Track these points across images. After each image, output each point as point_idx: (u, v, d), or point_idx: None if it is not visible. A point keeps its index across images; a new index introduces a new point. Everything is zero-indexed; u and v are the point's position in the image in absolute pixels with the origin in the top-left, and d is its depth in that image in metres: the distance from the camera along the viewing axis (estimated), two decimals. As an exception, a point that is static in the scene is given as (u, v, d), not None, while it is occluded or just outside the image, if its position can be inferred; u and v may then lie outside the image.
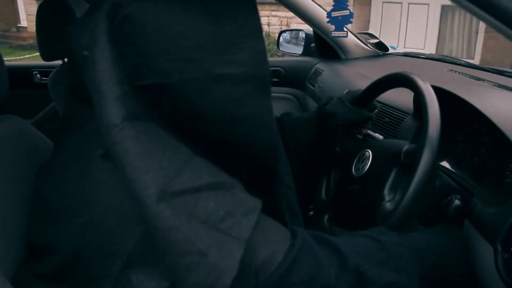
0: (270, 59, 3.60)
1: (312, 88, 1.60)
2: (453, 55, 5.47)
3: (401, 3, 6.16)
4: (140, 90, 0.44)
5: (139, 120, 0.43)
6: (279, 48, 1.86)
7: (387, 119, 1.00)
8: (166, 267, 0.43)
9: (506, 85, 1.01)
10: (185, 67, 0.43)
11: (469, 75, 1.20)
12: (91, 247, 0.46)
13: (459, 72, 1.25)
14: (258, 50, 0.44)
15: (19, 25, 9.22)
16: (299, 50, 1.77)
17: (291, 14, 1.62)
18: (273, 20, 6.61)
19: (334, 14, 1.26)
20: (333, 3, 1.24)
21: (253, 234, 0.43)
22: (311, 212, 0.92)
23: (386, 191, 0.69)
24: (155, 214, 0.41)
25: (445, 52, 5.65)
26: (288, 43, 1.83)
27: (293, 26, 5.17)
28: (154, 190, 0.41)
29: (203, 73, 0.43)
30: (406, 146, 0.71)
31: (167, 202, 0.41)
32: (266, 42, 6.55)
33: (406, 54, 1.67)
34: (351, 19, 1.25)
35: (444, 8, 5.79)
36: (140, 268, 0.44)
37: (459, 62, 1.42)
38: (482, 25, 5.18)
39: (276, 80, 1.75)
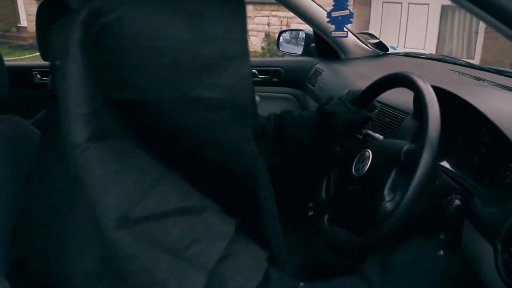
0: (270, 59, 3.61)
1: (312, 88, 1.60)
2: (453, 55, 5.47)
3: (401, 3, 6.16)
4: (115, 103, 0.42)
5: (108, 139, 0.41)
6: (279, 48, 1.86)
7: (387, 119, 1.00)
8: None
9: (506, 85, 1.01)
10: (162, 86, 0.40)
11: (469, 75, 1.20)
12: (54, 265, 0.44)
13: (459, 72, 1.25)
14: (242, 74, 0.41)
15: (19, 25, 9.21)
16: (299, 50, 1.77)
17: (291, 14, 1.62)
18: (273, 20, 6.61)
19: (334, 14, 1.26)
20: (333, 3, 1.24)
21: (222, 263, 0.40)
22: (311, 212, 0.92)
23: (386, 191, 0.69)
24: (112, 242, 0.39)
25: (445, 52, 5.65)
26: (288, 43, 1.83)
27: (293, 26, 5.17)
28: (114, 216, 0.39)
29: (180, 93, 0.40)
30: (406, 146, 0.71)
31: (127, 229, 0.39)
32: (266, 42, 6.52)
33: (406, 54, 1.67)
34: (351, 19, 1.26)
35: (444, 8, 5.79)
36: None
37: (459, 62, 1.42)
38: (482, 25, 5.17)
39: (276, 80, 1.75)
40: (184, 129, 0.42)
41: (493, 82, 1.07)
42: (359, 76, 1.36)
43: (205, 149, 0.43)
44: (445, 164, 0.80)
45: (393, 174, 0.70)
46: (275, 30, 6.27)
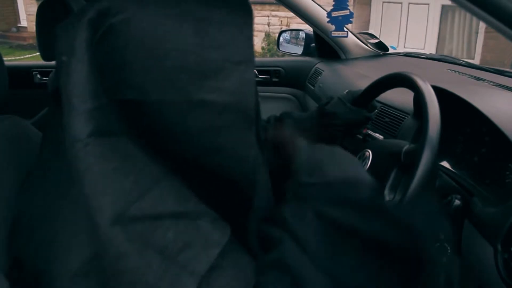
0: (270, 59, 3.61)
1: (312, 88, 1.60)
2: (453, 55, 5.48)
3: (401, 3, 6.16)
4: (118, 104, 0.42)
5: (109, 136, 0.41)
6: (279, 48, 1.86)
7: (387, 119, 1.00)
8: None
9: (506, 85, 1.01)
10: (166, 88, 0.40)
11: (469, 75, 1.20)
12: (45, 262, 0.44)
13: (459, 72, 1.25)
14: (246, 79, 0.41)
15: (19, 25, 9.22)
16: (299, 50, 1.77)
17: (291, 14, 1.62)
18: (273, 20, 6.62)
19: (334, 14, 1.26)
20: (333, 3, 1.24)
21: (214, 273, 0.40)
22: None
23: (386, 191, 0.69)
24: (106, 238, 0.39)
25: (445, 52, 5.66)
26: (288, 43, 1.83)
27: (293, 26, 5.17)
28: (110, 213, 0.39)
29: (184, 96, 0.40)
30: (406, 146, 0.71)
31: (122, 227, 0.39)
32: (266, 42, 6.53)
33: (406, 54, 1.67)
34: (351, 19, 1.26)
35: (444, 8, 5.79)
36: None
37: (459, 62, 1.42)
38: (482, 25, 5.18)
39: (276, 80, 1.75)
40: (186, 132, 0.42)
41: (493, 82, 1.07)
42: (359, 76, 1.37)
43: (207, 153, 0.43)
44: (445, 164, 0.80)
45: (393, 174, 0.70)
46: (275, 30, 6.27)
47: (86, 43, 0.41)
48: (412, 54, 1.65)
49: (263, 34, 6.68)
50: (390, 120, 0.99)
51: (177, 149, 0.43)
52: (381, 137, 0.90)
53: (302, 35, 1.76)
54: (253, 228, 0.50)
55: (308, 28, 1.67)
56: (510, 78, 1.15)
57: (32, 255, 0.46)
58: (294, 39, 1.82)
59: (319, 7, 1.54)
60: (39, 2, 1.43)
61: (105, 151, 0.40)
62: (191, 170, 0.44)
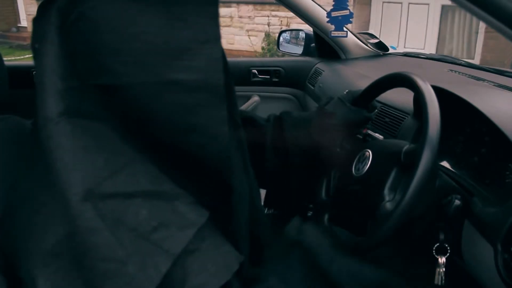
0: (270, 59, 3.60)
1: (312, 88, 1.60)
2: (453, 55, 5.47)
3: (401, 3, 6.16)
4: (92, 88, 0.43)
5: (81, 117, 0.42)
6: (279, 48, 1.86)
7: (387, 119, 1.00)
8: (81, 274, 0.41)
9: (506, 85, 1.01)
10: (136, 70, 0.41)
11: (469, 75, 1.20)
12: (20, 243, 0.44)
13: (459, 72, 1.25)
14: (214, 57, 0.42)
15: (19, 25, 9.22)
16: (299, 50, 1.77)
17: (291, 14, 1.62)
18: (273, 20, 6.61)
19: (334, 14, 1.26)
20: (333, 3, 1.24)
21: (190, 256, 0.41)
22: (311, 212, 0.92)
23: (386, 191, 0.69)
24: (77, 213, 0.39)
25: (445, 52, 5.65)
26: (288, 43, 1.83)
27: (293, 26, 5.17)
28: (81, 188, 0.39)
29: (154, 77, 0.41)
30: (406, 146, 0.71)
31: (93, 203, 0.39)
32: (266, 42, 6.51)
33: (406, 54, 1.67)
34: (351, 19, 1.26)
35: (444, 8, 5.79)
36: (53, 271, 0.41)
37: (459, 62, 1.42)
38: (482, 25, 5.18)
39: (276, 80, 1.75)
40: (159, 113, 0.43)
41: (493, 82, 1.07)
42: (359, 76, 1.36)
43: (180, 133, 0.44)
44: (445, 164, 0.80)
45: (393, 174, 0.70)
46: (275, 30, 6.27)
47: (56, 29, 0.43)
48: (412, 54, 1.65)
49: (263, 34, 6.68)
50: (390, 120, 0.99)
51: (151, 130, 0.44)
52: (381, 137, 0.90)
53: (302, 35, 1.76)
54: (238, 216, 0.50)
55: (308, 28, 1.67)
56: (510, 78, 1.14)
57: (12, 240, 0.46)
58: (294, 39, 1.82)
59: (319, 7, 1.54)
60: (39, 2, 1.42)
61: (76, 130, 0.41)
62: (166, 151, 0.44)
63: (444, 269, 0.68)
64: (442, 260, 0.68)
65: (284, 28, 4.95)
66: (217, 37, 0.42)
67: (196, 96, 0.42)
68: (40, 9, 0.47)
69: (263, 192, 0.91)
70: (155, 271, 0.39)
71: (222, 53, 0.43)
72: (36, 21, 0.47)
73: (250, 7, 6.79)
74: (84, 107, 0.43)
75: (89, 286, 0.40)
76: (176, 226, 0.41)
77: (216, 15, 0.42)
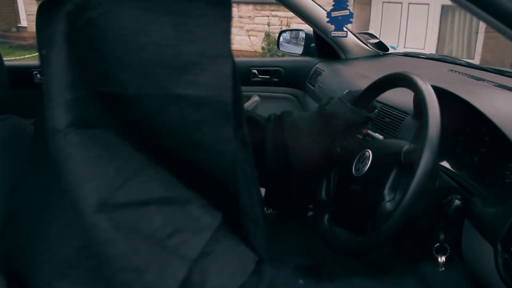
0: (270, 59, 3.60)
1: (312, 88, 1.60)
2: (453, 55, 5.47)
3: (401, 3, 6.16)
4: (98, 96, 0.42)
5: (89, 127, 0.41)
6: (279, 48, 1.86)
7: (387, 119, 1.00)
8: (99, 284, 0.40)
9: (506, 85, 1.01)
10: (143, 81, 0.40)
11: (469, 75, 1.20)
12: (31, 254, 0.44)
13: (459, 72, 1.25)
14: (223, 74, 0.41)
15: (19, 25, 9.22)
16: (299, 50, 1.77)
17: (291, 14, 1.62)
18: (273, 20, 6.62)
19: (334, 14, 1.26)
20: (333, 3, 1.24)
21: (206, 259, 0.40)
22: (311, 212, 0.92)
23: (386, 191, 0.69)
24: (92, 225, 0.39)
25: (445, 52, 5.65)
26: (288, 43, 1.83)
27: (293, 26, 5.17)
28: (95, 200, 0.39)
29: (161, 90, 0.40)
30: (406, 146, 0.71)
31: (107, 214, 0.39)
32: (266, 42, 6.50)
33: (406, 54, 1.67)
34: (351, 19, 1.26)
35: (444, 8, 5.79)
36: (72, 282, 0.41)
37: (459, 62, 1.42)
38: (482, 25, 5.17)
39: (276, 80, 1.75)
40: (164, 126, 0.42)
41: (493, 82, 1.07)
42: (359, 76, 1.36)
43: (186, 147, 0.43)
44: (445, 164, 0.80)
45: (393, 174, 0.70)
46: (275, 30, 6.27)
47: (64, 35, 0.42)
48: (412, 54, 1.65)
49: (263, 34, 6.68)
50: (390, 120, 0.99)
51: (158, 141, 0.43)
52: (381, 137, 0.90)
53: (302, 35, 1.76)
54: (246, 224, 0.50)
55: (308, 28, 1.67)
56: (510, 78, 1.14)
57: (20, 248, 0.46)
58: (294, 39, 1.82)
59: (319, 7, 1.54)
60: (39, 2, 1.42)
61: (85, 140, 0.40)
62: (174, 161, 0.44)
63: (443, 269, 0.68)
64: (442, 259, 0.68)
65: (284, 28, 4.95)
66: (228, 53, 0.41)
67: (202, 113, 0.41)
68: (46, 12, 0.45)
69: (263, 192, 0.91)
70: (173, 278, 0.39)
71: (233, 69, 0.42)
72: (43, 25, 0.45)
73: (250, 7, 6.79)
74: (92, 116, 0.42)
75: None
76: (191, 230, 0.41)
77: (228, 31, 0.41)
